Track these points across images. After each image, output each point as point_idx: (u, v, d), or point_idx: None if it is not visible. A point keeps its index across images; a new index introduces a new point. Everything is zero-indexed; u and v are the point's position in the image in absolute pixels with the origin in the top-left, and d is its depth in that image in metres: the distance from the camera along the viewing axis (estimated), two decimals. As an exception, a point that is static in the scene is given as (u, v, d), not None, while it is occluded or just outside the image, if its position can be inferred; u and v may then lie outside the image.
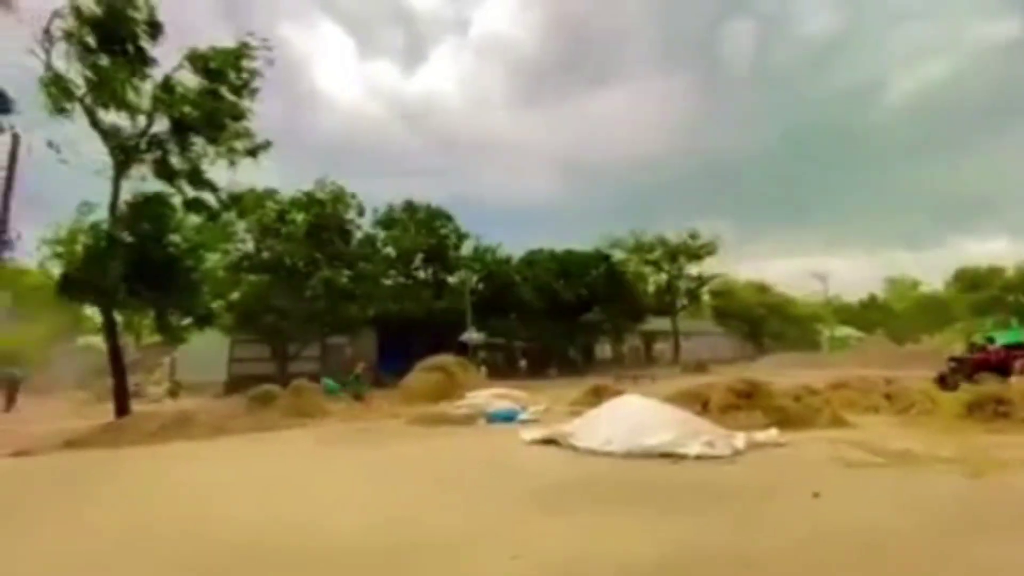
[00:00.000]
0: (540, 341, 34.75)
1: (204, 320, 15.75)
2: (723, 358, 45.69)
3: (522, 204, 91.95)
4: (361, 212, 27.79)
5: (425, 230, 31.26)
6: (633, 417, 7.75)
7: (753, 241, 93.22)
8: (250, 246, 24.40)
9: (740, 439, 7.26)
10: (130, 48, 13.31)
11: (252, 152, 15.22)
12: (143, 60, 13.60)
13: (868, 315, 65.98)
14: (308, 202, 25.91)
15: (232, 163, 14.93)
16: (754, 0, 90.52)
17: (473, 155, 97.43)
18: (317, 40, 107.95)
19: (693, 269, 47.48)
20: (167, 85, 14.01)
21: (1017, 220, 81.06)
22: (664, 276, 47.55)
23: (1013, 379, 12.46)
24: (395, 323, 28.31)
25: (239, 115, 14.65)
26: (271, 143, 15.45)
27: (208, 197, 14.80)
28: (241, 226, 23.42)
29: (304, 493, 5.69)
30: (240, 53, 14.30)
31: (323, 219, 25.23)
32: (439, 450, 8.10)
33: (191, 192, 14.76)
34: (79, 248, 12.98)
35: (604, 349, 45.73)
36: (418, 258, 31.60)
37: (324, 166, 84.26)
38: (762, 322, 53.32)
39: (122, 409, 13.95)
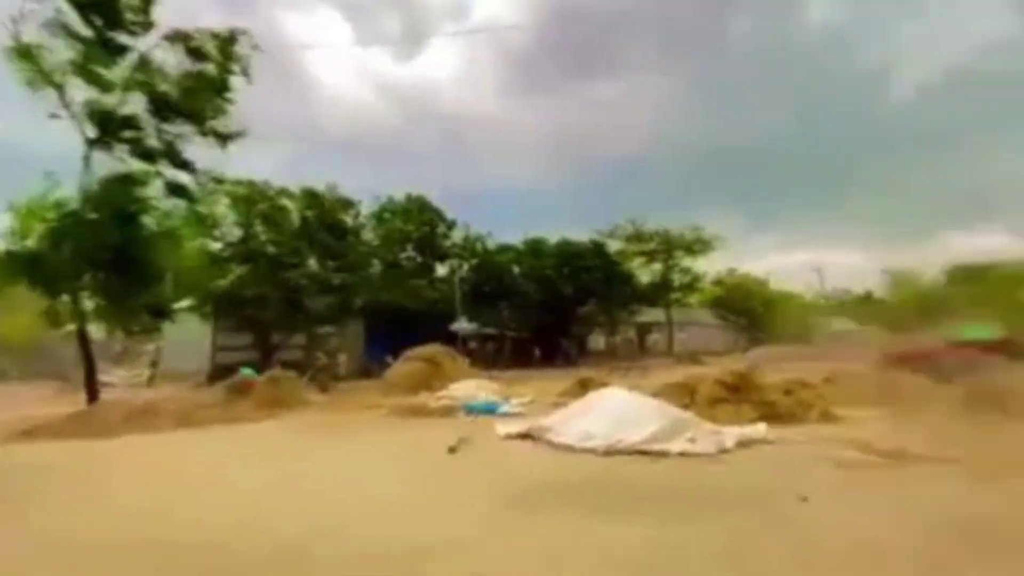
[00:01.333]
0: (533, 332, 34.30)
1: (160, 315, 15.32)
2: (718, 349, 45.39)
3: (519, 191, 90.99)
4: (357, 215, 27.45)
5: (413, 219, 30.57)
6: (614, 411, 7.30)
7: (758, 232, 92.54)
8: (236, 234, 23.83)
9: (727, 435, 6.83)
10: (113, 24, 12.85)
11: (229, 137, 14.80)
12: (128, 33, 13.14)
13: (866, 309, 65.87)
14: (309, 199, 25.50)
15: (222, 146, 14.60)
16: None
17: (470, 142, 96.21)
18: (315, 26, 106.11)
19: (691, 262, 46.83)
20: (144, 63, 13.49)
21: (1014, 216, 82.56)
22: (660, 267, 46.86)
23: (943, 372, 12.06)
24: (383, 313, 27.81)
25: (220, 98, 14.20)
26: (245, 131, 15.09)
27: (187, 180, 14.38)
28: (228, 216, 22.94)
29: (234, 493, 5.21)
30: (227, 38, 13.90)
31: (321, 216, 24.83)
32: (405, 444, 7.65)
33: (169, 173, 14.38)
34: (38, 225, 12.41)
35: (598, 340, 45.35)
36: (407, 247, 30.98)
37: (319, 152, 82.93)
38: (758, 314, 53.01)
39: (92, 397, 13.54)
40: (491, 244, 33.80)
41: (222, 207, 21.50)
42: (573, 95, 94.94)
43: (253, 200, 23.86)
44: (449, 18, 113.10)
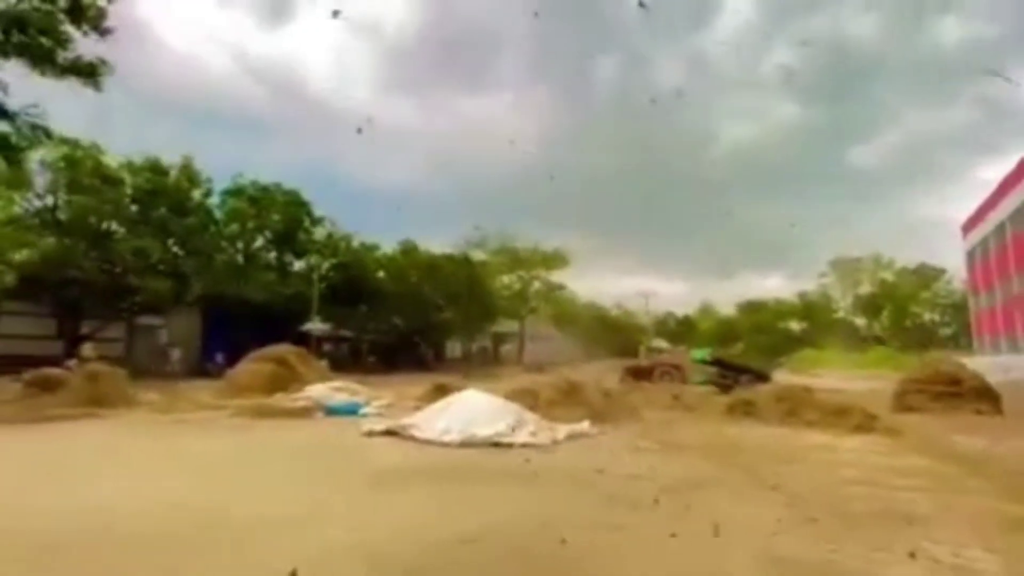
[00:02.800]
0: (392, 336, 34.24)
1: None
2: (561, 361, 49.96)
3: (385, 188, 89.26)
4: (208, 194, 24.78)
5: (276, 210, 28.52)
6: (470, 410, 8.41)
7: (603, 257, 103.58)
8: (43, 199, 19.86)
9: (559, 430, 8.38)
10: None
11: (81, 70, 12.53)
12: None
13: (681, 331, 77.79)
14: (151, 170, 22.27)
15: (88, 83, 12.29)
16: (622, 41, 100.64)
17: (336, 130, 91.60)
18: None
19: (547, 274, 51.58)
20: None
21: (791, 263, 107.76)
22: (518, 281, 50.51)
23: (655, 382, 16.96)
24: (227, 307, 25.50)
25: (58, 32, 12.08)
26: (107, 64, 12.77)
27: (4, 127, 12.01)
28: (40, 178, 19.14)
29: (91, 483, 5.16)
30: None
31: (160, 188, 21.84)
32: (274, 441, 7.83)
33: None
34: None
35: (455, 348, 46.76)
36: (263, 238, 28.78)
37: (159, 118, 71.38)
38: (594, 330, 59.66)
39: None
40: (356, 243, 33.03)
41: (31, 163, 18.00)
42: (445, 102, 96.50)
43: (74, 161, 20.22)
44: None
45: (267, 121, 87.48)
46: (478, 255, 44.03)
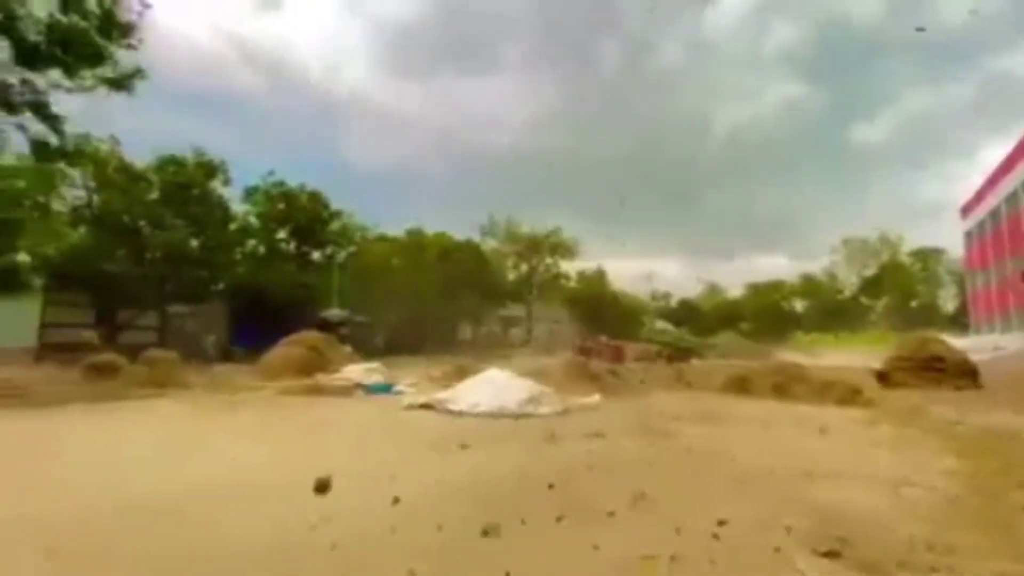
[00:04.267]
0: (406, 320, 35.61)
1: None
2: (567, 343, 51.26)
3: (383, 172, 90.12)
4: (227, 182, 25.99)
5: (300, 208, 29.89)
6: (495, 386, 9.69)
7: (605, 240, 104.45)
8: (77, 195, 21.16)
9: (571, 402, 9.63)
10: None
11: (120, 83, 13.80)
12: None
13: (683, 313, 78.82)
14: (174, 166, 23.49)
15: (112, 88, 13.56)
16: (622, 25, 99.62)
17: (338, 114, 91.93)
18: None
19: (551, 262, 52.89)
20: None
21: (794, 243, 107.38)
22: (525, 266, 51.84)
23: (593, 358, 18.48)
24: (251, 296, 26.88)
25: (96, 45, 13.26)
26: (143, 71, 14.06)
27: (52, 137, 13.24)
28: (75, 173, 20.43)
29: (218, 451, 6.43)
30: None
31: (183, 182, 23.06)
32: (338, 415, 9.14)
33: (35, 127, 13.12)
34: None
35: (465, 332, 48.21)
36: (284, 230, 30.16)
37: (153, 104, 72.11)
38: (600, 313, 60.79)
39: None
40: (371, 233, 34.39)
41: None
42: (448, 85, 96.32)
43: (102, 161, 21.42)
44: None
45: (263, 104, 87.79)
46: (489, 243, 45.51)
